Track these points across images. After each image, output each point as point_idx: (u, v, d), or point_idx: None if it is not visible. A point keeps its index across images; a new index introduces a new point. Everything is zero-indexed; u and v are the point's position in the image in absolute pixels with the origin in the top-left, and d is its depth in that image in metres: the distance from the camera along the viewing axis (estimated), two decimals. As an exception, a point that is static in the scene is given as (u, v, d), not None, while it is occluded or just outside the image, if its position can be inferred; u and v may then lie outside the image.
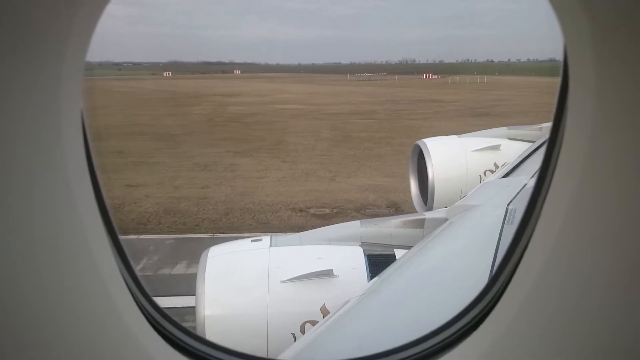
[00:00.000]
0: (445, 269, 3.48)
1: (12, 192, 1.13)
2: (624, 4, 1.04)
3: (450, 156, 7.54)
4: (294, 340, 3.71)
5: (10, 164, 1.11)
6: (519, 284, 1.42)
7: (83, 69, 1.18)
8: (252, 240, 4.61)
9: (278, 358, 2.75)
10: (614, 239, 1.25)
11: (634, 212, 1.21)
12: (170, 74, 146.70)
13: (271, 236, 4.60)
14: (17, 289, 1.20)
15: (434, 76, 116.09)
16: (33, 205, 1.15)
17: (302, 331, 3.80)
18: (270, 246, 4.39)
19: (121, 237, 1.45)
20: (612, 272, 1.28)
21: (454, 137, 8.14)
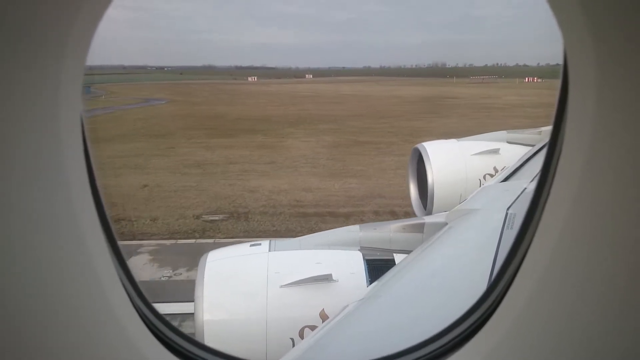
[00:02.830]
0: (445, 274, 3.47)
1: (11, 195, 1.12)
2: (623, 8, 1.04)
3: (450, 160, 7.53)
4: (293, 345, 3.69)
5: (9, 167, 1.10)
6: (519, 289, 1.41)
7: (83, 73, 1.18)
8: (251, 245, 4.60)
9: None
10: (614, 243, 1.24)
11: (634, 216, 1.20)
12: (255, 79, 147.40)
13: (270, 241, 4.59)
14: (15, 292, 1.19)
15: (538, 80, 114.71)
16: (32, 209, 1.14)
17: (301, 336, 3.78)
18: (269, 250, 4.38)
19: (120, 242, 1.44)
20: (613, 276, 1.28)
21: (453, 140, 8.14)
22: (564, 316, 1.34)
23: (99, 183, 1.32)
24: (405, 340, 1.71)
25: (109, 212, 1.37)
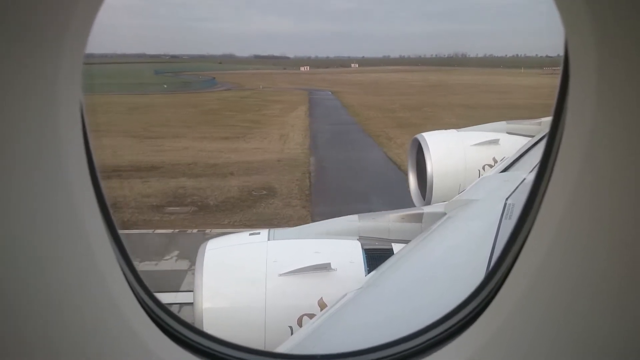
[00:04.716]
0: (443, 264, 3.49)
1: (11, 188, 1.12)
2: (626, 1, 1.04)
3: (449, 150, 7.53)
4: (291, 333, 3.72)
5: (9, 160, 1.11)
6: (516, 279, 1.42)
7: (82, 64, 1.18)
8: (250, 234, 4.61)
9: (275, 351, 2.77)
10: (612, 235, 1.25)
11: (633, 208, 1.21)
12: (308, 69, 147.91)
13: (269, 230, 4.60)
14: (18, 284, 1.20)
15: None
16: (32, 201, 1.15)
17: (300, 324, 3.81)
18: (268, 239, 4.40)
19: (120, 232, 1.45)
20: (609, 268, 1.29)
21: (453, 131, 8.13)
22: (561, 306, 1.35)
23: (99, 175, 1.33)
24: (403, 328, 1.73)
25: (109, 204, 1.37)
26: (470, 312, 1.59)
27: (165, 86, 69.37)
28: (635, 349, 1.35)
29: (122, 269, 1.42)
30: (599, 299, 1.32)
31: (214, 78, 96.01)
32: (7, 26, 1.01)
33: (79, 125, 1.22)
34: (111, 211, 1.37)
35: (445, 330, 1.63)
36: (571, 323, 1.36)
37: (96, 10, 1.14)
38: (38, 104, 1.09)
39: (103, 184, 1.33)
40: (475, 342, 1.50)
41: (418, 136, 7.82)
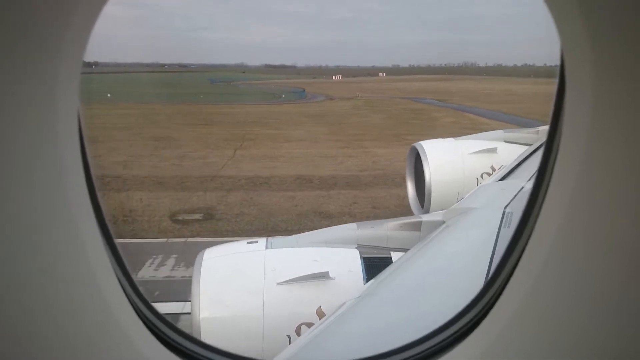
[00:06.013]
0: (442, 272, 3.49)
1: (6, 193, 1.12)
2: (621, 10, 1.05)
3: (448, 159, 7.56)
4: (290, 342, 3.70)
5: (6, 165, 1.10)
6: (516, 287, 1.42)
7: (80, 70, 1.18)
8: (248, 242, 4.60)
9: None
10: (610, 242, 1.25)
11: (631, 216, 1.21)
12: (340, 77, 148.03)
13: (267, 238, 4.59)
14: (13, 290, 1.19)
15: None
16: (28, 207, 1.14)
17: (298, 333, 3.79)
18: (266, 248, 4.39)
19: (116, 240, 1.44)
20: (608, 274, 1.28)
21: (451, 139, 8.16)
22: (560, 314, 1.35)
23: (95, 180, 1.32)
24: (402, 337, 1.72)
25: (105, 210, 1.36)
26: (470, 321, 1.58)
27: (283, 96, 70.24)
28: (635, 352, 1.35)
29: (119, 278, 1.41)
30: (598, 304, 1.32)
31: (304, 90, 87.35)
32: (7, 28, 1.01)
33: (76, 129, 1.21)
34: (107, 217, 1.37)
35: (445, 339, 1.62)
36: (571, 328, 1.36)
37: (96, 15, 1.15)
38: (36, 107, 1.09)
39: (100, 192, 1.33)
40: (475, 350, 1.50)
41: (416, 144, 7.84)
